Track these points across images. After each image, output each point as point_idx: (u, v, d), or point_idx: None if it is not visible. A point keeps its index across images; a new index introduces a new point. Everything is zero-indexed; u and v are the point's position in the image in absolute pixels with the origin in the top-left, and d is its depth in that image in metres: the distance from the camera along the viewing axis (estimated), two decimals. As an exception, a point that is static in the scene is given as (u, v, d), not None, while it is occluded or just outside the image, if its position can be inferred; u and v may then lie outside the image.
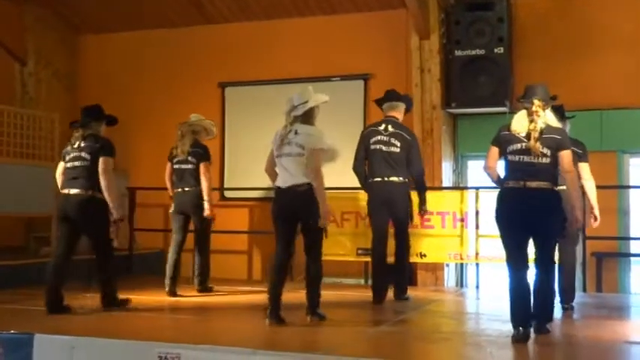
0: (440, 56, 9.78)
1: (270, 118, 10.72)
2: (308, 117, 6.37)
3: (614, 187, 9.33)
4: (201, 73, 11.43)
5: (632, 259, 9.66)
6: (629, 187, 9.68)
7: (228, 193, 11.09)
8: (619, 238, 9.50)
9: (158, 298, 7.96)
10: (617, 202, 9.53)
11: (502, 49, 9.54)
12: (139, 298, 7.59)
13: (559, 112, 7.21)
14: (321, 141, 6.30)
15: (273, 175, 6.58)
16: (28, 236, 11.27)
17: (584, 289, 8.93)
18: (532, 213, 5.71)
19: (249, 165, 10.73)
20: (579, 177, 7.02)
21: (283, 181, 6.36)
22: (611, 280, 9.32)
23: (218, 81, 11.42)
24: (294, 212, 6.31)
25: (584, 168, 7.07)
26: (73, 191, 6.89)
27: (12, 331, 5.60)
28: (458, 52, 9.70)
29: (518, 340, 5.54)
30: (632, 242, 9.66)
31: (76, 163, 6.97)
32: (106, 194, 6.89)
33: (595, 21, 9.72)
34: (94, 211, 6.90)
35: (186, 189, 8.26)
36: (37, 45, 11.68)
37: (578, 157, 7.00)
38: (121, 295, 7.19)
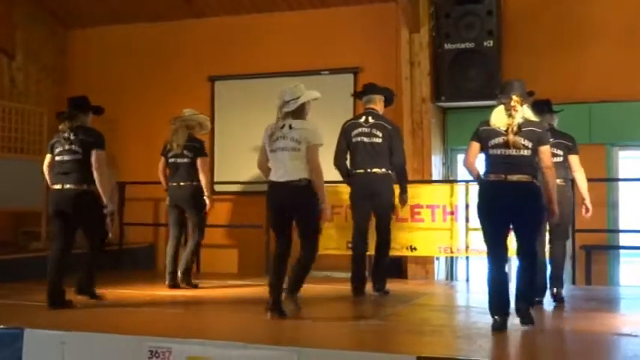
0: (429, 50, 9.77)
1: (260, 112, 10.71)
2: (300, 113, 6.38)
3: (603, 180, 9.36)
4: (191, 67, 11.40)
5: (621, 251, 9.69)
6: (618, 179, 9.71)
7: (217, 187, 11.08)
8: (608, 231, 9.54)
9: (148, 292, 7.95)
10: (607, 194, 9.55)
11: (491, 42, 9.54)
12: (128, 292, 7.58)
13: (546, 106, 7.29)
14: (317, 136, 6.33)
15: (266, 171, 6.57)
16: (16, 231, 11.23)
17: (574, 282, 8.97)
18: (512, 205, 5.86)
19: (239, 159, 10.73)
20: (570, 169, 7.11)
21: (278, 176, 6.35)
22: (600, 273, 9.35)
23: (207, 75, 11.38)
24: (291, 207, 6.33)
25: (574, 160, 7.20)
26: (67, 186, 6.88)
27: (1, 326, 5.59)
28: (447, 46, 9.69)
29: (497, 328, 5.76)
30: (621, 235, 9.70)
31: (67, 157, 6.94)
32: (99, 187, 6.91)
33: (584, 14, 9.74)
34: (87, 205, 6.90)
35: (181, 183, 8.33)
36: (26, 39, 11.62)
37: (568, 150, 7.15)
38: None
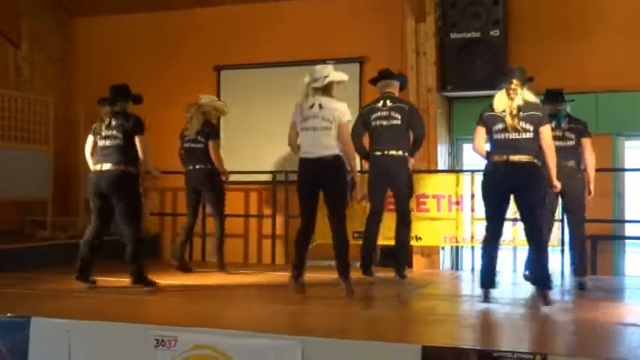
0: (435, 39, 9.75)
1: (266, 102, 10.80)
2: (327, 90, 6.65)
3: (609, 170, 9.34)
4: (197, 57, 11.39)
5: (626, 241, 9.69)
6: (624, 169, 9.70)
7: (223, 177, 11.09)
8: (614, 221, 9.52)
9: (155, 280, 7.95)
10: (613, 184, 9.54)
11: (498, 31, 9.53)
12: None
13: (560, 95, 7.47)
14: (347, 114, 6.66)
15: (296, 148, 6.84)
16: (23, 220, 11.26)
17: (579, 272, 8.96)
18: (514, 183, 6.28)
19: (245, 148, 10.74)
20: (582, 154, 7.45)
21: (309, 153, 6.62)
22: (605, 263, 9.34)
23: (213, 64, 11.38)
24: (320, 181, 6.61)
25: (587, 143, 7.47)
26: (106, 166, 7.18)
27: (8, 315, 5.61)
28: (453, 35, 9.68)
29: (484, 300, 6.37)
30: (626, 225, 9.68)
31: (108, 142, 7.24)
32: (147, 162, 7.34)
33: (591, 3, 9.70)
34: (126, 184, 7.21)
35: (197, 166, 8.63)
36: (31, 28, 11.60)
37: (580, 134, 7.46)
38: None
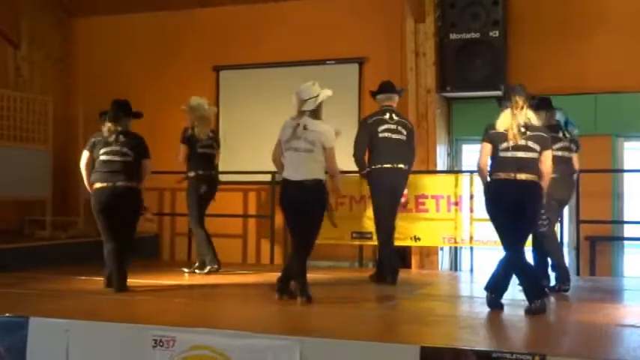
0: (435, 40, 9.74)
1: (265, 102, 10.80)
2: (317, 112, 6.61)
3: (608, 171, 9.35)
4: (196, 57, 11.39)
5: (625, 242, 9.69)
6: (623, 170, 9.70)
7: (222, 177, 11.04)
8: (613, 222, 9.53)
9: (153, 281, 7.97)
10: (612, 185, 9.54)
11: (497, 32, 9.53)
12: (133, 281, 7.59)
13: (548, 102, 7.45)
14: (331, 138, 6.58)
15: (280, 166, 6.81)
16: (22, 219, 11.26)
17: (578, 273, 8.96)
18: (519, 202, 6.16)
19: (243, 149, 10.73)
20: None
21: (291, 175, 6.58)
22: (604, 264, 9.35)
23: (212, 64, 11.38)
24: (302, 204, 6.55)
25: (576, 158, 7.46)
26: (118, 184, 7.20)
27: (7, 315, 5.61)
28: (453, 36, 9.68)
29: (492, 305, 6.23)
30: (625, 226, 9.68)
31: (117, 158, 7.26)
32: (142, 185, 7.44)
33: (590, 4, 9.71)
34: (134, 201, 7.33)
35: (209, 172, 8.73)
36: (31, 28, 11.61)
37: (577, 147, 7.45)
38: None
